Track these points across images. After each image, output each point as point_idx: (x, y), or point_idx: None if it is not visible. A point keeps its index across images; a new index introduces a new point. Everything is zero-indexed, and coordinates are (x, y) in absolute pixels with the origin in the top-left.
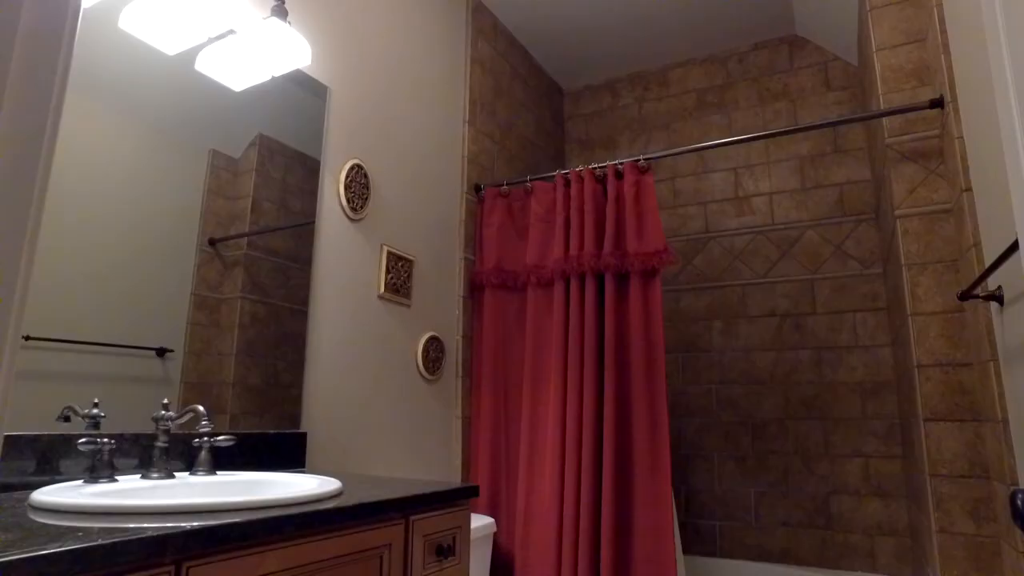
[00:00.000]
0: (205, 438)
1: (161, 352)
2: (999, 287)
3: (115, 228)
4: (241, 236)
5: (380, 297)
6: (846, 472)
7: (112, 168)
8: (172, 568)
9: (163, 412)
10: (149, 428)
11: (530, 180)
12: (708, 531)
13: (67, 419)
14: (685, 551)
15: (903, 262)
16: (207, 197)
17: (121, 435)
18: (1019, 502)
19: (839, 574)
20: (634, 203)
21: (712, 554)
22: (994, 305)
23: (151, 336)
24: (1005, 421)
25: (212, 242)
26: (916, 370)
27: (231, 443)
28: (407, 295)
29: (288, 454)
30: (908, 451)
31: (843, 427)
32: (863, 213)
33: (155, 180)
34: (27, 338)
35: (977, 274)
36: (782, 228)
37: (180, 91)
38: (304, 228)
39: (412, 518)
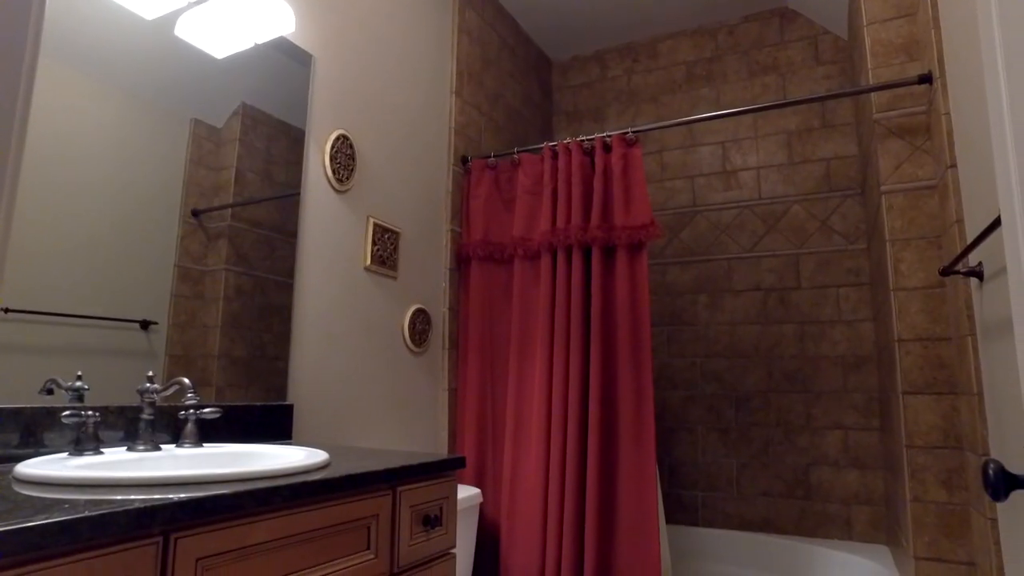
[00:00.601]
0: (191, 410)
1: (145, 324)
2: (979, 263)
3: (95, 198)
4: (225, 207)
5: (366, 269)
6: (826, 444)
7: (90, 136)
8: (160, 539)
9: (148, 385)
10: (134, 401)
11: (517, 152)
12: (691, 501)
13: (50, 392)
14: (668, 520)
15: (887, 238)
16: (189, 167)
17: (106, 408)
18: (990, 471)
19: (816, 542)
20: (622, 176)
21: (694, 523)
22: (974, 281)
23: (134, 308)
24: (980, 394)
25: (195, 213)
26: (897, 344)
27: (217, 415)
28: (393, 267)
29: (275, 426)
30: (886, 423)
31: (824, 400)
32: (849, 188)
33: (135, 149)
34: (6, 311)
35: (959, 250)
36: (768, 203)
37: (159, 58)
38: (289, 199)
39: (399, 489)
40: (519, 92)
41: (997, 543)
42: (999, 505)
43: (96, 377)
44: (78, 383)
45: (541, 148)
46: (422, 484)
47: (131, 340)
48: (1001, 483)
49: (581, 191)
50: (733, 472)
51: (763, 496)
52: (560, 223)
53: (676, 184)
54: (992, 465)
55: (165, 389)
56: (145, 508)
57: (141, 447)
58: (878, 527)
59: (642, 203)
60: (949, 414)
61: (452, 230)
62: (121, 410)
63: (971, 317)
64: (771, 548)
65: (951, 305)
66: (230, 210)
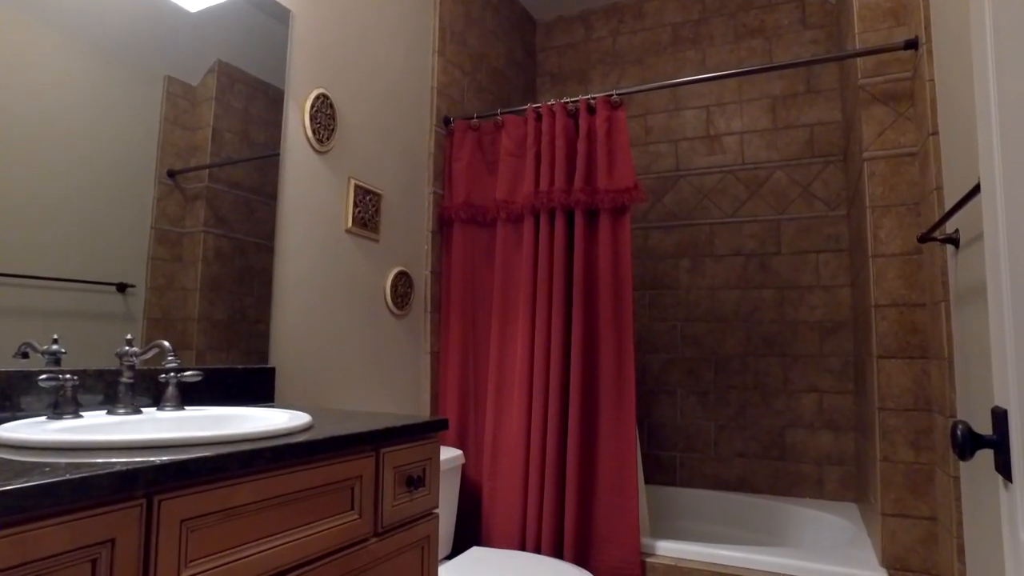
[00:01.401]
0: (172, 373)
1: (122, 287)
2: (956, 230)
3: (65, 157)
4: (202, 168)
5: (348, 231)
6: (801, 406)
7: (59, 92)
8: (143, 501)
9: (127, 348)
10: (113, 364)
11: (501, 114)
12: (669, 462)
13: (25, 355)
14: (647, 481)
15: (868, 204)
16: (164, 127)
17: (84, 371)
18: (959, 432)
19: (789, 501)
20: (606, 139)
21: (672, 483)
22: (950, 248)
23: (110, 271)
24: (950, 358)
25: (171, 174)
26: (873, 310)
27: (198, 378)
28: (375, 229)
29: (257, 389)
30: (860, 386)
31: (801, 364)
32: (831, 155)
33: (107, 107)
34: None
35: (937, 217)
36: (751, 168)
37: (130, 9)
38: (268, 160)
39: (382, 451)
40: (502, 52)
41: (958, 499)
42: (962, 464)
43: (73, 341)
44: (54, 346)
45: (525, 110)
46: (405, 446)
47: (108, 303)
48: (968, 443)
49: (565, 154)
50: (711, 434)
51: (739, 457)
52: (543, 186)
53: (660, 148)
54: (960, 426)
55: (144, 352)
56: (128, 470)
57: (121, 410)
58: (848, 486)
59: (626, 166)
60: (920, 378)
61: (434, 192)
62: (100, 373)
63: (945, 283)
64: (746, 507)
65: (927, 272)
66: (207, 171)
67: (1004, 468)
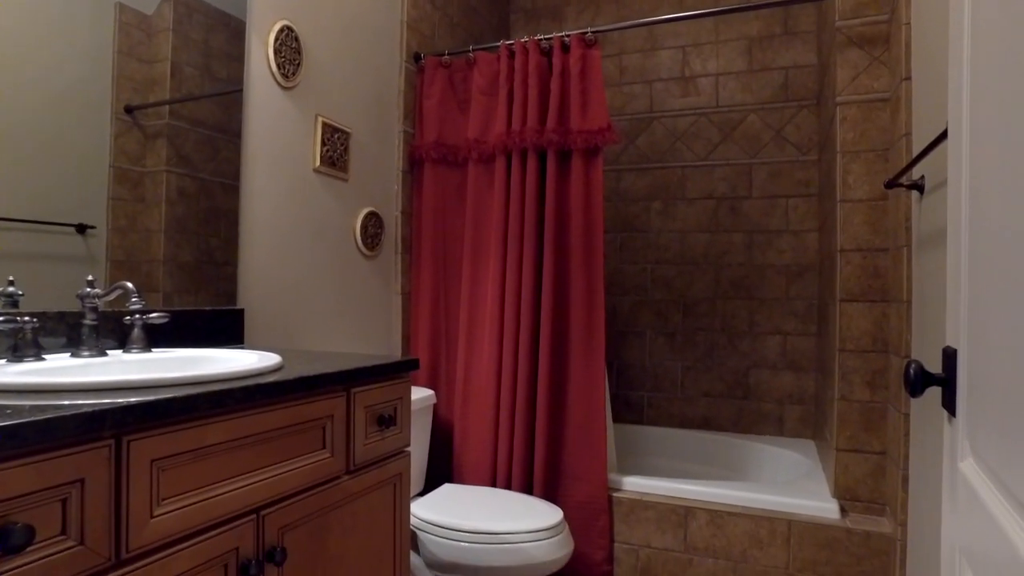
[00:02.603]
0: (137, 315)
1: (81, 228)
2: (922, 176)
3: (11, 90)
4: (161, 104)
5: (316, 171)
6: (766, 348)
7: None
8: (112, 442)
9: (88, 289)
10: (75, 307)
11: (473, 50)
12: (637, 401)
13: None
14: (615, 419)
15: (838, 149)
16: (118, 59)
17: (44, 313)
18: (911, 371)
19: (751, 438)
20: (579, 78)
21: (640, 422)
22: (915, 194)
23: (69, 211)
24: (909, 302)
25: (129, 110)
26: (839, 254)
27: (165, 320)
28: (344, 169)
29: (226, 331)
30: (823, 329)
31: (767, 307)
32: (805, 99)
33: (54, 35)
34: None
35: (905, 163)
36: (726, 111)
37: None
38: (232, 97)
39: (354, 390)
40: None
41: (906, 434)
42: (913, 402)
43: (30, 283)
44: (11, 288)
45: (498, 47)
46: (376, 386)
47: (67, 245)
48: (920, 380)
49: (538, 93)
50: (678, 374)
51: (705, 396)
52: (516, 125)
53: (634, 89)
54: (914, 365)
55: (107, 294)
56: (94, 412)
57: (86, 353)
58: (807, 424)
59: (599, 107)
60: (879, 320)
61: (405, 131)
62: (61, 315)
63: (908, 229)
64: (709, 444)
65: (892, 218)
66: (168, 107)
67: (950, 404)
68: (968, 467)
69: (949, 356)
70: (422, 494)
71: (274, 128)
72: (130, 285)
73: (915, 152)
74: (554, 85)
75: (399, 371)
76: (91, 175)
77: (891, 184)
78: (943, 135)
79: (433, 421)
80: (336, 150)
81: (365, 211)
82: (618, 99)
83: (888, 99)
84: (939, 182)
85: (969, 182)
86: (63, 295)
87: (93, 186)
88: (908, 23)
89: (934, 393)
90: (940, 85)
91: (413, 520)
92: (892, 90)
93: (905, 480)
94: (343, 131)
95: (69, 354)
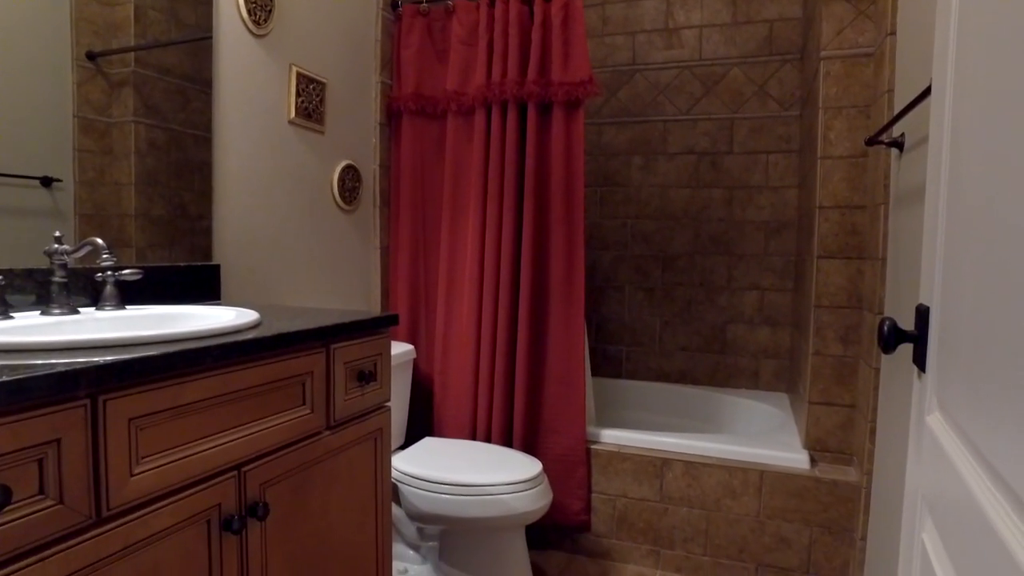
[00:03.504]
0: (109, 272)
1: (47, 182)
2: (902, 134)
3: None
4: (126, 51)
5: (291, 122)
6: (743, 303)
7: None
8: (88, 402)
9: (56, 246)
10: (43, 264)
11: None
12: (615, 355)
13: None
14: (594, 373)
15: (820, 105)
16: (76, 1)
17: (10, 270)
18: (885, 327)
19: (727, 391)
20: (561, 28)
21: (618, 376)
22: (894, 151)
23: (32, 164)
24: (884, 259)
25: (91, 56)
26: (817, 211)
27: (138, 276)
28: (320, 121)
29: (201, 287)
30: (799, 285)
31: (745, 262)
32: (788, 53)
33: None
34: None
35: (886, 120)
36: (708, 64)
37: None
38: (201, 44)
39: (333, 346)
40: None
41: (876, 388)
42: (884, 357)
43: None
44: None
45: None
46: (356, 341)
47: (32, 198)
48: (892, 337)
49: (518, 43)
50: (656, 329)
51: (682, 351)
52: (496, 77)
53: (616, 40)
54: (888, 322)
55: (76, 250)
56: (68, 371)
57: (56, 311)
58: (781, 378)
59: (581, 59)
60: (855, 277)
61: (382, 82)
62: (29, 272)
63: (887, 187)
64: (686, 397)
65: (871, 175)
66: (133, 55)
67: (920, 360)
68: (935, 420)
69: (922, 313)
70: (403, 447)
71: (246, 77)
72: (100, 241)
73: (897, 109)
74: (535, 35)
75: (378, 327)
76: (54, 126)
77: (872, 141)
78: (925, 92)
79: (413, 376)
80: (312, 101)
81: (342, 164)
82: (600, 50)
83: (872, 54)
84: (919, 140)
85: (950, 140)
86: (31, 252)
87: (57, 137)
88: None
89: (905, 349)
90: (924, 41)
91: (394, 473)
92: (876, 45)
93: (872, 432)
94: (318, 81)
95: (39, 312)
